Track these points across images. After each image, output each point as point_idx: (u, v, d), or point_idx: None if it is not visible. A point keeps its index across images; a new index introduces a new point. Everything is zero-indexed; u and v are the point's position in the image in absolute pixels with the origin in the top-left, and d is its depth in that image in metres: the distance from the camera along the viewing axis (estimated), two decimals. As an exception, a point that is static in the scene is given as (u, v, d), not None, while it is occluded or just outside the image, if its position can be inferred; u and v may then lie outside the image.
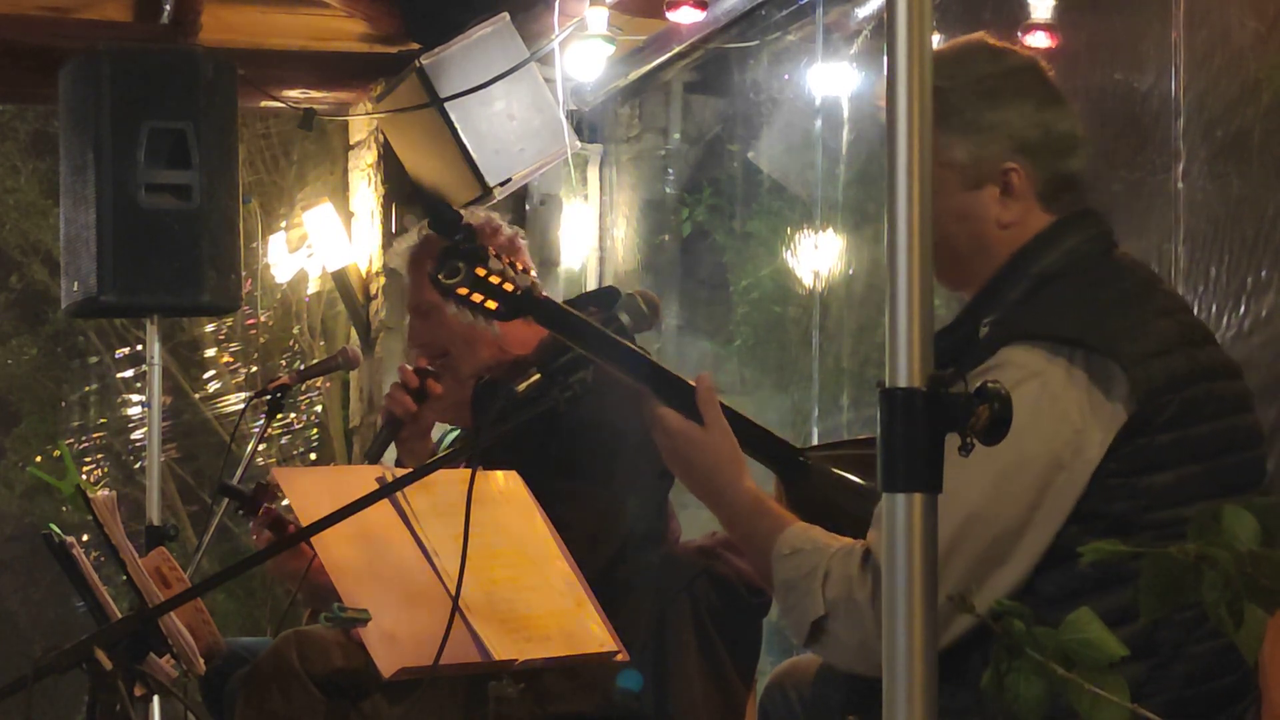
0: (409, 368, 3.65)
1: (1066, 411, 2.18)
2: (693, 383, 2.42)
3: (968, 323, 2.36)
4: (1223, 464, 2.24)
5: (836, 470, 2.47)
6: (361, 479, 2.64)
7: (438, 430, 3.96)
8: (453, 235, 2.37)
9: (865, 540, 2.24)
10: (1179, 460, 2.20)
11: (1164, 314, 2.31)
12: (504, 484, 2.91)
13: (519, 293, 2.39)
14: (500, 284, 2.38)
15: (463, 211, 3.83)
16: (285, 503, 3.68)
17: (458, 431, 3.88)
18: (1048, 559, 2.19)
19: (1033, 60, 2.46)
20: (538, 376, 2.43)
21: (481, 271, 2.36)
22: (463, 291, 2.37)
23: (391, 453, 3.79)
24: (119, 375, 10.74)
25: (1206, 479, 2.21)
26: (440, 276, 2.36)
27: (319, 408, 9.21)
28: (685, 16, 5.08)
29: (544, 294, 2.43)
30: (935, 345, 2.36)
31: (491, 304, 2.39)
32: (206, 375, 10.31)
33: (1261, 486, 2.32)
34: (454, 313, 3.57)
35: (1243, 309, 3.78)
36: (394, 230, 6.15)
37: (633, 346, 2.49)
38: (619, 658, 2.80)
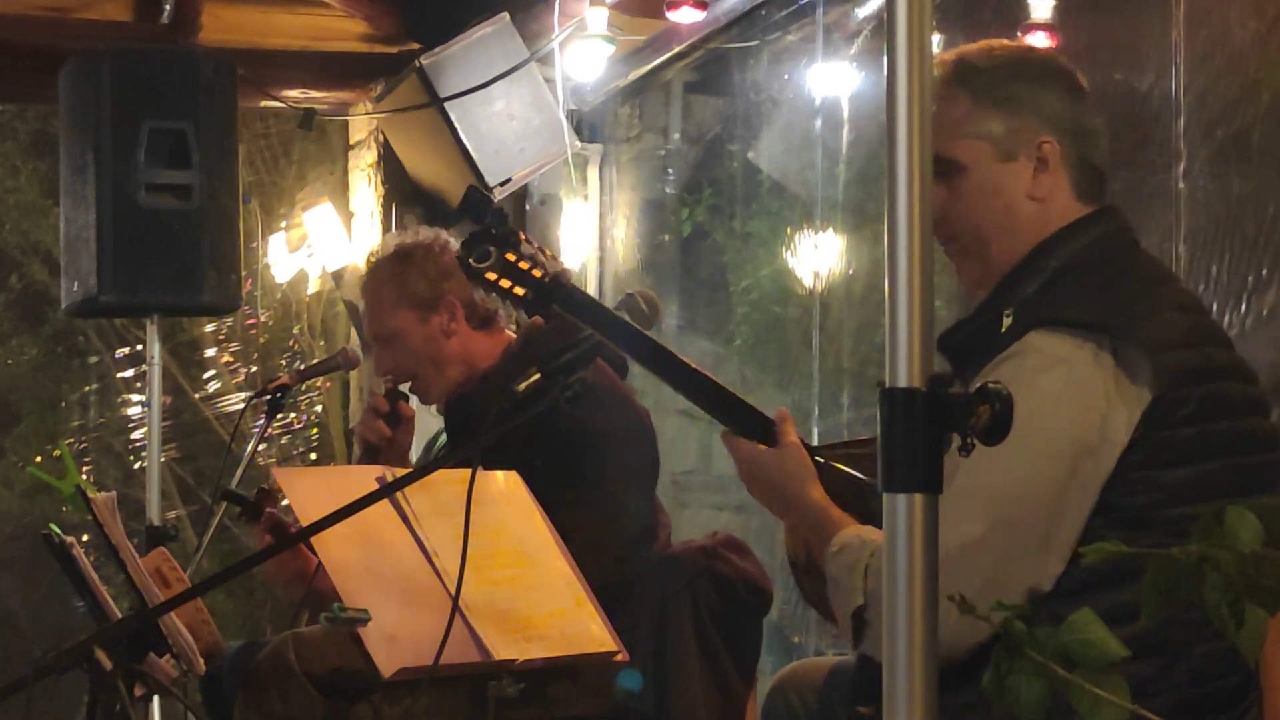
0: (379, 394, 3.66)
1: (1092, 397, 2.19)
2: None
3: (987, 314, 2.38)
4: (1241, 464, 2.25)
5: (843, 467, 2.48)
6: (361, 479, 2.64)
7: (429, 435, 3.96)
8: (484, 219, 2.33)
9: None
10: (1199, 456, 2.21)
11: (1183, 310, 2.33)
12: (504, 484, 2.91)
13: (548, 279, 2.36)
14: (530, 270, 2.34)
15: (412, 229, 3.85)
16: (285, 503, 3.68)
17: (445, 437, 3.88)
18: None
19: (1066, 63, 2.51)
20: (538, 376, 2.42)
21: (512, 257, 2.32)
22: (491, 277, 2.33)
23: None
24: (119, 375, 10.74)
25: (1224, 477, 2.22)
26: (470, 260, 2.33)
27: (319, 408, 9.21)
28: (685, 16, 5.08)
29: (572, 282, 2.40)
30: (955, 336, 2.40)
31: (520, 290, 2.35)
32: (206, 375, 10.32)
33: (1277, 490, 2.32)
34: (417, 339, 3.59)
35: (1244, 308, 3.78)
36: (393, 230, 6.15)
37: (656, 340, 2.47)
38: (619, 658, 2.80)
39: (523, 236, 2.34)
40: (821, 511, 2.44)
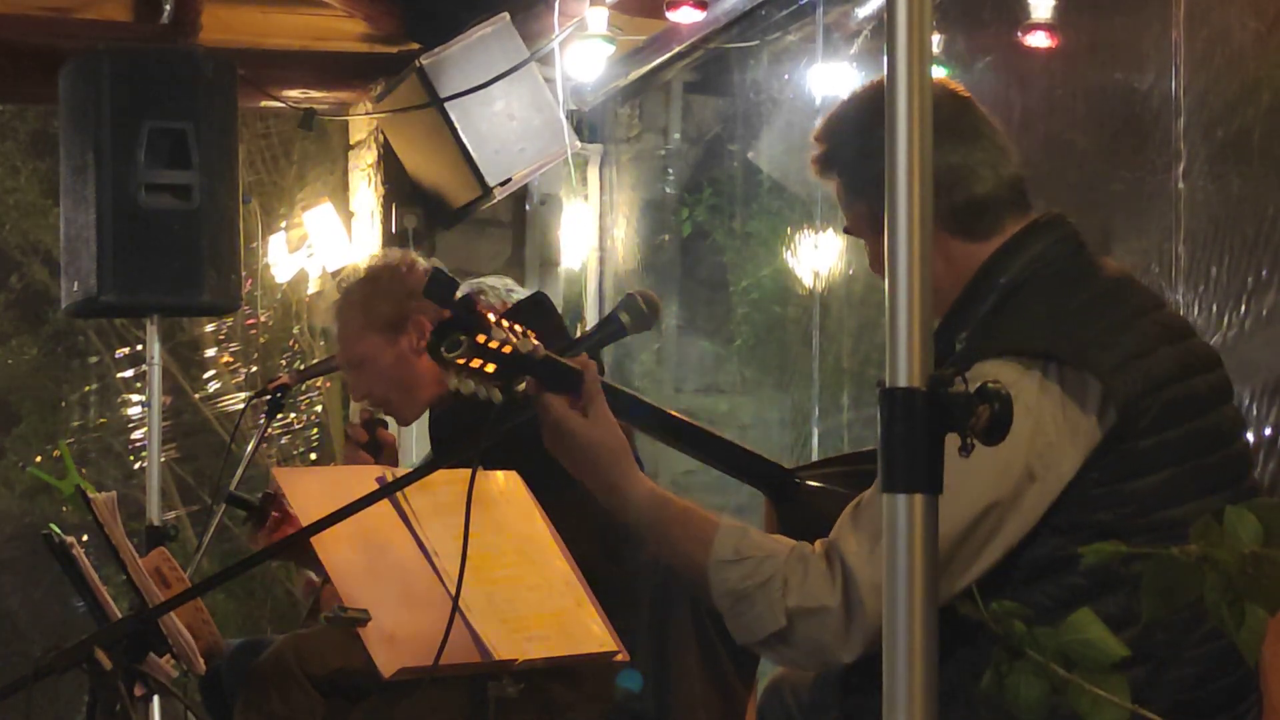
0: (357, 424, 3.67)
1: (1040, 424, 2.15)
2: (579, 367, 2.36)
3: (942, 339, 2.33)
4: (1205, 463, 2.23)
5: (826, 485, 2.46)
6: (361, 479, 2.64)
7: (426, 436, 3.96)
8: (450, 303, 2.31)
9: (824, 540, 2.21)
10: (1161, 464, 2.19)
11: (1139, 313, 2.29)
12: (504, 484, 2.91)
13: (522, 354, 2.33)
14: (500, 348, 2.32)
15: (381, 252, 3.85)
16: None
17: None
18: (1038, 570, 2.17)
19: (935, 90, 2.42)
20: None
21: (482, 338, 2.30)
22: (461, 362, 2.31)
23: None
24: (119, 375, 10.75)
25: (1191, 479, 2.20)
26: (441, 351, 2.30)
27: (319, 408, 9.22)
28: (685, 16, 5.08)
29: (545, 354, 2.38)
30: None
31: (491, 368, 2.34)
32: (206, 375, 10.33)
33: (1247, 479, 2.31)
34: (386, 361, 3.60)
35: (1243, 309, 3.78)
36: (394, 230, 6.16)
37: (639, 396, 2.47)
38: (619, 658, 2.80)
39: (492, 320, 2.30)
40: (660, 500, 2.33)
